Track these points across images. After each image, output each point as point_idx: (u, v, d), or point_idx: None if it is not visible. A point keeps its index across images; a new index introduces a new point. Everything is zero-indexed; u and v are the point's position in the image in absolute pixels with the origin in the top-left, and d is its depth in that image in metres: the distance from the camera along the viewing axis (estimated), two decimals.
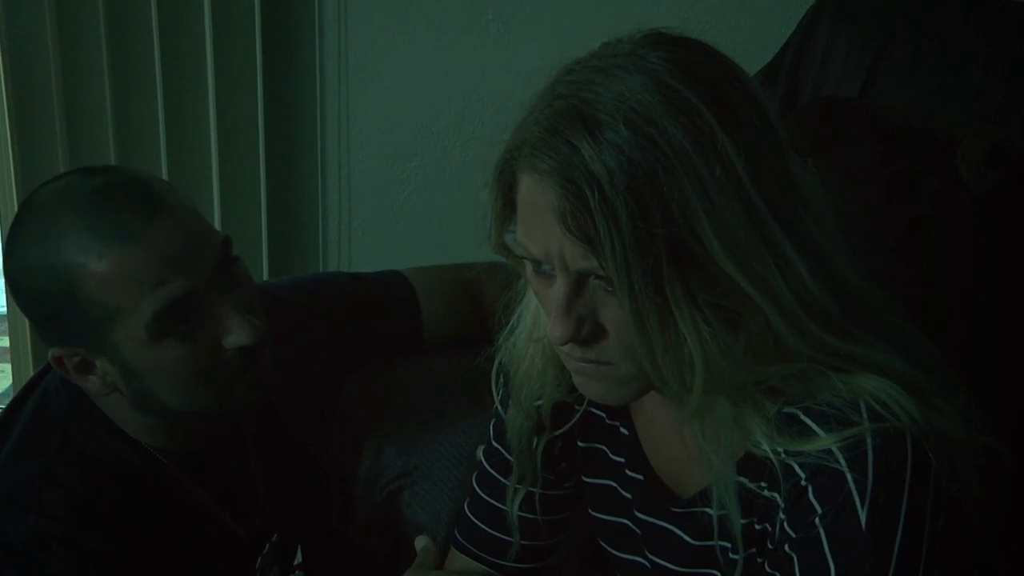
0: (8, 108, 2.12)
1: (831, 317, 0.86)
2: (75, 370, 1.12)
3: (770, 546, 0.92)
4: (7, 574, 1.09)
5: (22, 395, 1.23)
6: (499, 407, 1.14)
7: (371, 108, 2.25)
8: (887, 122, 1.49)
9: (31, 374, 2.25)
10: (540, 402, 1.06)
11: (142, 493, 1.17)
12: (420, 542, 1.29)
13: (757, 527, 0.93)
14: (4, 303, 2.53)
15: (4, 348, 2.54)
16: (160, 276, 1.06)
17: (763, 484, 0.91)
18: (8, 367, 2.40)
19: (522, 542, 1.14)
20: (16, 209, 2.12)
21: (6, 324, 2.39)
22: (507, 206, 0.90)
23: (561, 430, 1.09)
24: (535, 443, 1.09)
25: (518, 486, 1.11)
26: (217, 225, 2.20)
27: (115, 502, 1.14)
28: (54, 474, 1.12)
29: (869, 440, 0.84)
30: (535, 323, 1.03)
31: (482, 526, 1.17)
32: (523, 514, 1.12)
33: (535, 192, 0.84)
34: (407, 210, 2.31)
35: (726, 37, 2.02)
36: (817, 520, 0.86)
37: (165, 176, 2.15)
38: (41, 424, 1.17)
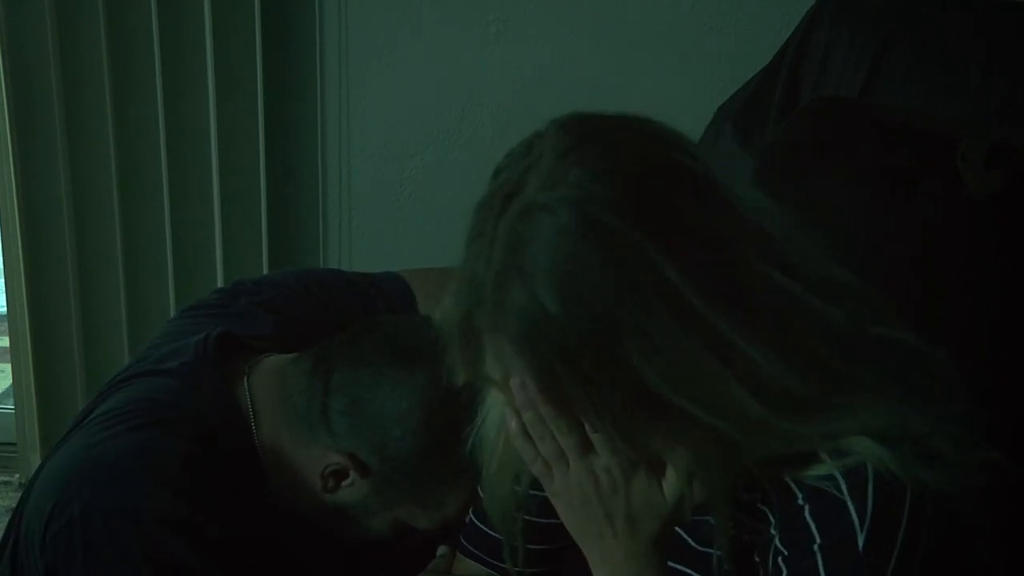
0: (8, 108, 2.12)
1: (807, 398, 0.83)
2: (331, 474, 1.21)
3: (756, 558, 0.93)
4: (132, 547, 1.10)
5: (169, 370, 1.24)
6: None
7: (371, 108, 2.25)
8: (887, 122, 1.49)
9: (31, 374, 2.27)
10: (519, 487, 1.02)
11: (260, 504, 1.22)
12: (440, 550, 1.29)
13: (747, 539, 0.93)
14: (4, 303, 2.53)
15: (4, 348, 2.54)
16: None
17: (756, 496, 0.92)
18: (8, 367, 2.40)
19: (529, 546, 1.13)
20: (16, 209, 2.15)
21: (6, 324, 2.39)
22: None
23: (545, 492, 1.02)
24: (517, 519, 1.05)
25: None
26: (218, 226, 2.21)
27: (246, 503, 1.19)
28: (196, 462, 1.15)
29: (869, 467, 0.85)
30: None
31: (488, 531, 1.17)
32: (528, 518, 1.12)
33: (498, 347, 0.84)
34: (407, 210, 2.31)
35: (726, 37, 2.04)
36: (816, 547, 0.87)
37: (165, 177, 2.16)
38: (192, 413, 1.19)
